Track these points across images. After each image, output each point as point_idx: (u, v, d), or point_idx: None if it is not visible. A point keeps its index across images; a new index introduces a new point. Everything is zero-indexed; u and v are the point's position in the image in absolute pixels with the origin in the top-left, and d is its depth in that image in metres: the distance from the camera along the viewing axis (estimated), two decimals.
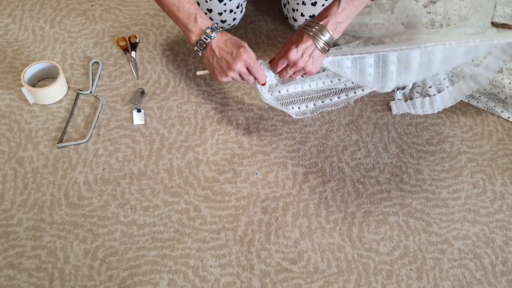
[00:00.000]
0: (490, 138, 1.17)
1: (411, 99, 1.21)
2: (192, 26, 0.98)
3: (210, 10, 1.20)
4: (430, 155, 1.14)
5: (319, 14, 0.97)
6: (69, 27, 1.29)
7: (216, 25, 0.98)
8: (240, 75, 0.99)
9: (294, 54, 0.95)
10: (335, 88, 1.18)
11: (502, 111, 1.21)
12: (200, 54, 1.00)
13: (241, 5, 1.24)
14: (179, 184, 1.06)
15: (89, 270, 0.95)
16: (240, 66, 0.96)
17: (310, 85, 1.16)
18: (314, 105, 1.16)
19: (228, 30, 1.30)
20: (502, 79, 1.25)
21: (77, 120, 1.13)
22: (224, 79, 1.00)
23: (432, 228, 1.04)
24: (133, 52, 1.24)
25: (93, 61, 1.23)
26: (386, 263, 0.99)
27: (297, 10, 1.22)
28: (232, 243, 0.99)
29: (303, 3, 1.20)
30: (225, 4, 1.19)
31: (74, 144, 1.10)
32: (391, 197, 1.07)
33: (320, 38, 0.95)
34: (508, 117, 1.20)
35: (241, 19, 1.31)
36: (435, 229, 1.03)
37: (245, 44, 0.98)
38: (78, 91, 1.17)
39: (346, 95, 1.17)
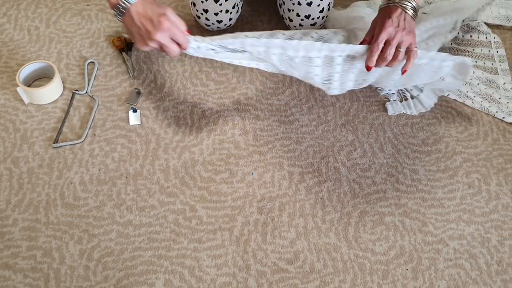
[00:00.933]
0: (485, 138, 1.18)
1: (406, 99, 1.22)
2: None
3: (206, 11, 1.20)
4: (426, 155, 1.14)
5: None
6: (65, 27, 1.29)
7: None
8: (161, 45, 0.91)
9: (390, 24, 0.93)
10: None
11: (496, 111, 1.21)
12: (120, 20, 0.92)
13: (237, 5, 1.24)
14: (175, 184, 1.06)
15: (85, 270, 0.95)
16: (160, 37, 0.88)
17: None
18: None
19: (224, 30, 1.30)
20: (496, 79, 1.26)
21: (72, 120, 1.13)
22: (145, 49, 0.92)
23: (427, 228, 1.04)
24: (129, 52, 1.24)
25: (89, 61, 1.22)
26: (382, 263, 0.99)
27: (292, 10, 1.22)
28: (228, 243, 0.99)
29: (299, 3, 1.20)
30: (221, 5, 1.19)
31: (70, 144, 1.09)
32: (387, 197, 1.08)
33: (407, 5, 0.95)
34: (503, 117, 1.21)
35: (237, 20, 1.31)
36: (430, 229, 1.04)
37: (169, 11, 0.89)
38: (73, 91, 1.17)
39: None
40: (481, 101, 1.22)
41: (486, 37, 1.34)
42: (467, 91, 1.23)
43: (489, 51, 1.31)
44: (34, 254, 0.96)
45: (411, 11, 0.95)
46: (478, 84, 1.25)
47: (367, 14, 1.23)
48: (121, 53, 1.24)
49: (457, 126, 1.20)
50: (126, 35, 1.27)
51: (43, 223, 0.99)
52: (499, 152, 1.16)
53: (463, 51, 1.31)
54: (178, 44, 0.91)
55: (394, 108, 1.20)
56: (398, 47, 0.94)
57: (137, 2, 0.89)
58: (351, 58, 0.99)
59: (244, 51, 0.96)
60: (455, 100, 1.23)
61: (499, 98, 1.23)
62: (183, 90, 1.20)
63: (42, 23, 1.29)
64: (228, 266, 0.97)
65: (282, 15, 1.29)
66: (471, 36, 1.34)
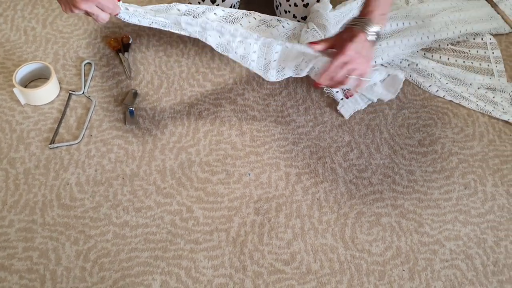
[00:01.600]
0: (481, 139, 1.18)
1: (351, 95, 1.20)
2: None
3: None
4: (422, 156, 1.15)
5: (362, 12, 0.98)
6: (61, 28, 1.29)
7: None
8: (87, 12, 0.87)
9: (352, 49, 0.94)
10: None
11: (493, 110, 1.22)
12: None
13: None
14: (172, 185, 1.06)
15: (81, 271, 0.94)
16: (85, 6, 0.84)
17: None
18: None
19: None
20: (490, 78, 1.26)
21: (69, 121, 1.13)
22: (69, 13, 0.89)
23: (424, 228, 1.04)
24: (125, 53, 1.24)
25: (86, 61, 1.22)
26: (379, 264, 0.99)
27: (289, 11, 1.22)
28: (225, 244, 0.99)
29: (295, 5, 1.20)
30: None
31: (66, 145, 1.09)
32: (384, 198, 1.08)
33: (370, 31, 0.95)
34: (500, 115, 1.21)
35: None
36: (427, 230, 1.04)
37: None
38: (70, 92, 1.17)
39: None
40: (477, 101, 1.23)
41: (482, 39, 1.34)
42: (462, 92, 1.24)
43: (485, 52, 1.32)
44: (30, 255, 0.95)
45: (373, 37, 0.96)
46: (471, 84, 1.25)
47: (323, 8, 1.20)
48: (118, 54, 1.24)
49: (453, 127, 1.20)
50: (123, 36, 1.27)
51: (39, 224, 0.99)
52: (495, 153, 1.16)
53: (459, 52, 1.31)
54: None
55: (346, 109, 1.19)
56: (349, 73, 0.96)
57: None
58: (290, 45, 0.99)
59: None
60: (451, 101, 1.24)
61: (493, 97, 1.23)
62: (180, 91, 1.20)
63: (39, 23, 1.29)
64: (224, 267, 0.97)
65: (279, 16, 1.29)
66: (467, 37, 1.34)
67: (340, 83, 0.98)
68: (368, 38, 0.96)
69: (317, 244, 1.01)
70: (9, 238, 0.97)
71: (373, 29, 0.96)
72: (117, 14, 0.91)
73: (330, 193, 1.07)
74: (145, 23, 0.95)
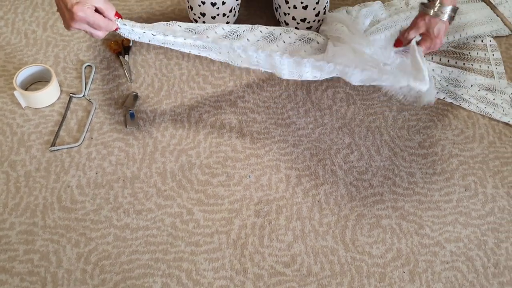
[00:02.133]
0: (481, 141, 1.18)
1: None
2: None
3: (203, 14, 1.20)
4: (422, 158, 1.15)
5: None
6: (62, 31, 1.29)
7: None
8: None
9: (429, 41, 1.04)
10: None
11: (493, 112, 1.22)
12: None
13: (234, 9, 1.24)
14: (172, 188, 1.06)
15: (82, 274, 0.94)
16: (77, 25, 0.86)
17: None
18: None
19: None
20: (490, 80, 1.26)
21: (70, 124, 1.13)
22: (70, 30, 0.90)
23: (424, 230, 1.04)
24: (126, 56, 1.24)
25: (86, 64, 1.22)
26: (379, 266, 0.99)
27: (288, 14, 1.23)
28: (225, 246, 1.00)
29: (294, 7, 1.20)
30: (218, 8, 1.19)
31: (67, 148, 1.09)
32: (384, 200, 1.08)
33: (444, 14, 1.02)
34: (500, 117, 1.21)
35: (234, 23, 1.31)
36: (427, 232, 1.04)
37: None
38: (71, 94, 1.17)
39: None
40: (477, 103, 1.23)
41: (482, 41, 1.34)
42: (462, 94, 1.24)
43: (485, 54, 1.32)
44: (31, 257, 0.96)
45: (448, 17, 1.02)
46: (472, 86, 1.25)
47: (342, 19, 1.21)
48: (118, 57, 1.25)
49: (453, 129, 1.20)
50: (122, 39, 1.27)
51: (40, 227, 0.99)
52: (495, 154, 1.16)
53: (459, 54, 1.31)
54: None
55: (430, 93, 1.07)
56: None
57: None
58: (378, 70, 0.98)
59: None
60: (451, 103, 1.24)
61: (494, 99, 1.23)
62: (180, 93, 1.20)
63: (39, 26, 1.29)
64: (225, 270, 0.97)
65: (278, 18, 1.30)
66: (467, 39, 1.34)
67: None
68: (443, 19, 1.02)
69: (317, 246, 1.01)
70: (10, 241, 0.97)
71: (448, 9, 1.02)
72: (116, 29, 0.93)
73: (330, 195, 1.07)
74: (144, 40, 0.97)
